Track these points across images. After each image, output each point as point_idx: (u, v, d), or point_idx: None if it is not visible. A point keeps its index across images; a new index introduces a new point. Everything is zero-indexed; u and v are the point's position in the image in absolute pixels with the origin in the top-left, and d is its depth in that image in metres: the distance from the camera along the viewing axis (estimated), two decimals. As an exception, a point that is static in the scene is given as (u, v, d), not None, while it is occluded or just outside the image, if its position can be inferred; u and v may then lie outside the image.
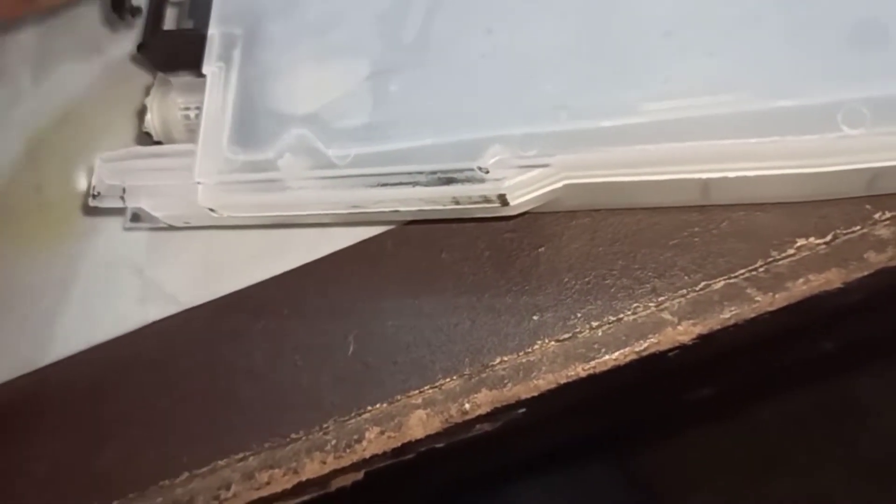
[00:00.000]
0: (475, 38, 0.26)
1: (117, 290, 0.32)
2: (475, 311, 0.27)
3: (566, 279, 0.27)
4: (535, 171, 0.25)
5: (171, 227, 0.29)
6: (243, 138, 0.27)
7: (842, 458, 0.82)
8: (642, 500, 0.79)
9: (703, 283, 0.26)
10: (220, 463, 0.28)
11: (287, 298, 0.30)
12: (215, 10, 0.29)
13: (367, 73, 0.27)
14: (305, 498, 0.28)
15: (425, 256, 0.29)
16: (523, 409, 0.27)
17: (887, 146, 0.22)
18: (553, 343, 0.26)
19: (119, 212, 0.29)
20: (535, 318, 0.27)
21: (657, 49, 0.24)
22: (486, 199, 0.25)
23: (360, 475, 0.28)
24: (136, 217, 0.29)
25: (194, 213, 0.28)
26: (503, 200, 0.25)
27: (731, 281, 0.25)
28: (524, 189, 0.25)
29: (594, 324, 0.26)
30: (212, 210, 0.27)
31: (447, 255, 0.28)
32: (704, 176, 0.23)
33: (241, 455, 0.28)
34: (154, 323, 0.31)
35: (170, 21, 0.31)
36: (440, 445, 0.27)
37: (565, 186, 0.25)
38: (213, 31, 0.28)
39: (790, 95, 0.23)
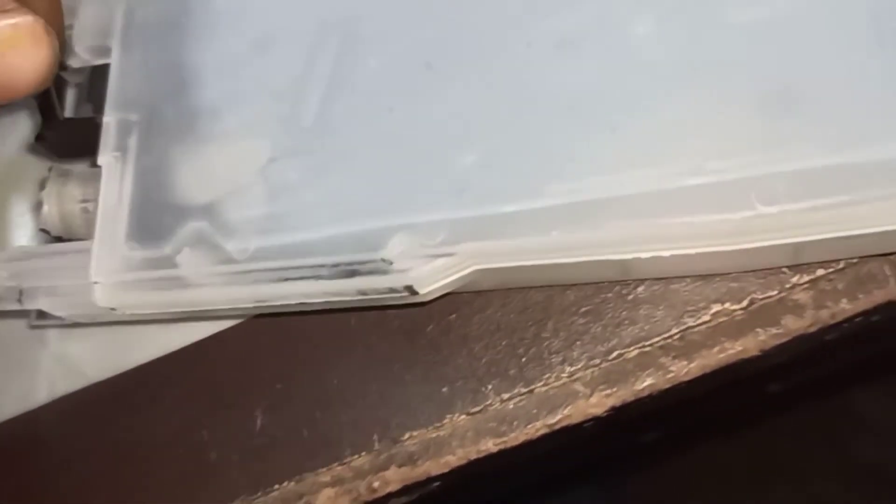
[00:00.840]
0: (376, 118, 0.25)
1: (22, 365, 0.30)
2: (384, 382, 0.26)
3: (476, 349, 0.26)
4: (442, 260, 0.23)
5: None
6: (141, 233, 0.26)
7: (838, 465, 0.82)
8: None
9: (616, 353, 0.25)
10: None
11: (195, 370, 0.29)
12: (110, 94, 0.27)
13: (264, 160, 0.25)
14: None
15: (335, 323, 0.28)
16: (437, 483, 0.26)
17: (804, 223, 0.21)
18: (463, 417, 0.25)
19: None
20: (444, 390, 0.26)
21: (560, 126, 0.23)
22: (393, 290, 0.24)
23: None
24: (42, 314, 0.28)
25: (97, 312, 0.26)
26: (411, 290, 0.24)
27: (645, 349, 0.24)
28: (432, 278, 0.24)
29: (505, 396, 0.25)
30: (114, 309, 0.26)
31: (356, 322, 0.27)
32: (616, 258, 0.22)
33: None
34: (61, 398, 0.30)
35: (69, 106, 0.29)
36: None
37: (475, 272, 0.24)
38: (109, 119, 0.27)
39: (700, 173, 0.22)
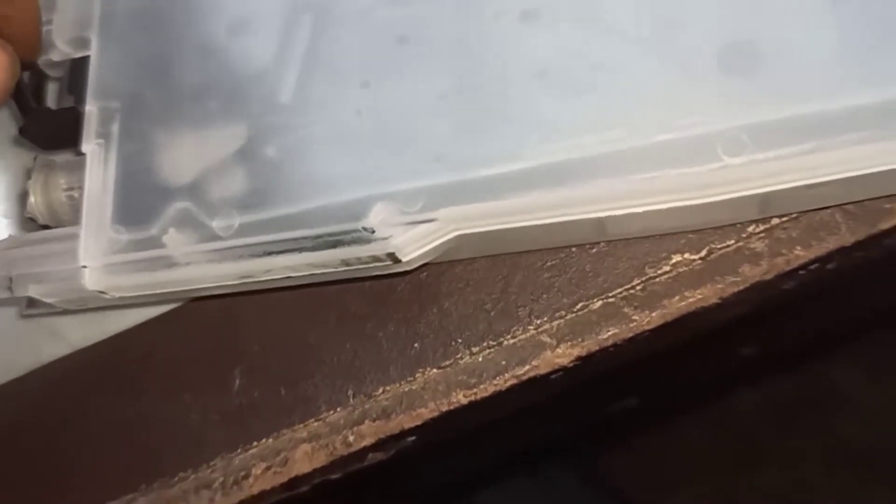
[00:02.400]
0: (352, 93, 0.25)
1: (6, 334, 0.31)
2: (358, 340, 0.27)
3: (446, 305, 0.27)
4: (422, 227, 0.24)
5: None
6: (127, 216, 0.26)
7: (823, 447, 0.82)
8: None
9: (580, 304, 0.25)
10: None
11: (176, 336, 0.29)
12: (91, 84, 0.28)
13: (245, 139, 0.26)
14: None
15: (311, 286, 0.28)
16: (413, 438, 0.26)
17: (770, 172, 0.22)
18: (435, 370, 0.26)
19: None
20: (416, 345, 0.27)
21: (532, 91, 0.24)
22: (377, 259, 0.24)
23: None
24: (33, 303, 0.28)
25: (87, 296, 0.27)
26: (394, 258, 0.24)
27: (609, 300, 0.25)
28: (414, 245, 0.24)
29: (474, 349, 0.26)
30: (102, 293, 0.26)
31: (330, 285, 0.28)
32: (592, 216, 0.23)
33: (129, 496, 0.28)
34: (46, 366, 0.30)
35: (52, 97, 0.30)
36: (336, 476, 0.27)
37: (457, 238, 0.24)
38: (91, 107, 0.28)
39: (669, 129, 0.22)
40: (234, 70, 0.27)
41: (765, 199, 0.23)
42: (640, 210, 0.23)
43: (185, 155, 0.26)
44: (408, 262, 0.25)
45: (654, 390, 0.47)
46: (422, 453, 0.27)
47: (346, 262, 0.25)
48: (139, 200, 0.26)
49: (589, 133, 0.23)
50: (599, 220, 0.23)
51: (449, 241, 0.24)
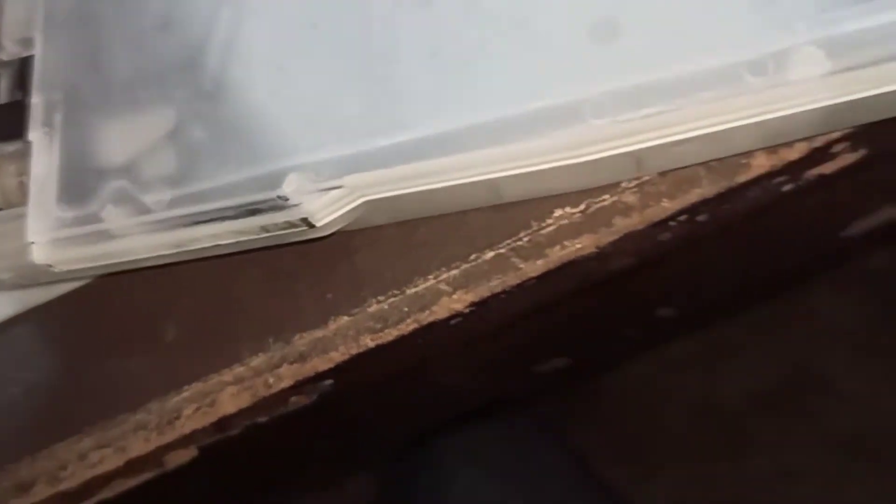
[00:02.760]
0: (268, 76, 0.28)
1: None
2: (279, 292, 0.30)
3: (356, 259, 0.30)
4: (331, 193, 0.27)
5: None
6: (70, 195, 0.29)
7: (809, 433, 0.84)
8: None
9: (473, 256, 0.28)
10: (58, 446, 0.31)
11: (113, 292, 0.32)
12: (36, 78, 0.31)
13: (174, 122, 0.28)
14: (146, 476, 0.31)
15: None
16: (330, 381, 0.30)
17: (632, 131, 0.25)
18: (345, 318, 0.29)
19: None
20: (329, 296, 0.30)
21: (424, 69, 0.27)
22: (292, 225, 0.27)
23: (193, 452, 0.31)
24: (-12, 280, 0.31)
25: (36, 270, 0.29)
26: (308, 223, 0.27)
27: (499, 251, 0.28)
28: (325, 211, 0.27)
29: (381, 298, 0.29)
30: (50, 266, 0.29)
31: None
32: (474, 179, 0.26)
33: (76, 437, 0.31)
34: None
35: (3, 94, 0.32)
36: (262, 420, 0.30)
37: (364, 204, 0.27)
38: (36, 100, 0.30)
39: (540, 98, 0.25)
40: (162, 60, 0.29)
41: (634, 158, 0.26)
42: (519, 172, 0.25)
43: (120, 139, 0.29)
44: (322, 228, 0.27)
45: (583, 351, 0.49)
46: (342, 399, 0.30)
47: (265, 229, 0.27)
48: (80, 181, 0.29)
49: (473, 104, 0.26)
50: (485, 183, 0.26)
51: (357, 207, 0.27)
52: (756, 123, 0.24)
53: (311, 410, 0.31)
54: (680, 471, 0.86)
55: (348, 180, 0.26)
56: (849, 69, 0.23)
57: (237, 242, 0.28)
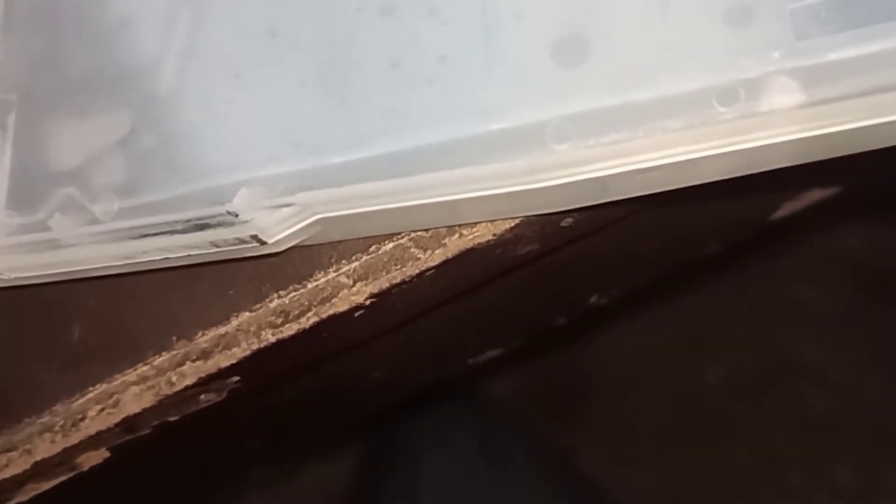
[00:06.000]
0: (224, 84, 0.27)
1: None
2: (182, 292, 0.30)
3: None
4: (283, 210, 0.26)
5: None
6: (18, 201, 0.28)
7: (791, 421, 0.84)
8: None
9: (373, 247, 0.28)
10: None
11: (21, 294, 0.31)
12: (-9, 79, 0.30)
13: (126, 129, 0.27)
14: (60, 479, 0.31)
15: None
16: (236, 378, 0.30)
17: (591, 158, 0.23)
18: (247, 314, 0.29)
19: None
20: (231, 293, 0.29)
21: (384, 83, 0.25)
22: (242, 241, 0.26)
23: (104, 453, 0.31)
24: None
25: (-16, 278, 0.29)
26: (259, 240, 0.26)
27: (399, 242, 0.28)
28: (277, 228, 0.26)
29: (282, 293, 0.29)
30: (-2, 273, 0.28)
31: None
32: (428, 201, 0.25)
33: None
34: None
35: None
36: (173, 419, 0.30)
37: (319, 221, 0.26)
38: (-10, 101, 0.29)
39: (502, 119, 0.24)
40: (117, 63, 0.28)
41: (604, 184, 0.25)
42: (474, 196, 0.24)
43: (72, 143, 0.28)
44: (275, 244, 0.26)
45: (515, 340, 0.49)
46: (251, 396, 0.29)
47: (215, 244, 0.26)
48: (30, 186, 0.28)
49: (432, 123, 0.25)
50: (445, 204, 0.25)
51: (311, 224, 0.26)
52: (723, 154, 0.23)
53: (226, 408, 0.31)
54: (661, 460, 0.86)
55: (301, 197, 0.25)
56: (823, 101, 0.22)
57: (187, 256, 0.27)
